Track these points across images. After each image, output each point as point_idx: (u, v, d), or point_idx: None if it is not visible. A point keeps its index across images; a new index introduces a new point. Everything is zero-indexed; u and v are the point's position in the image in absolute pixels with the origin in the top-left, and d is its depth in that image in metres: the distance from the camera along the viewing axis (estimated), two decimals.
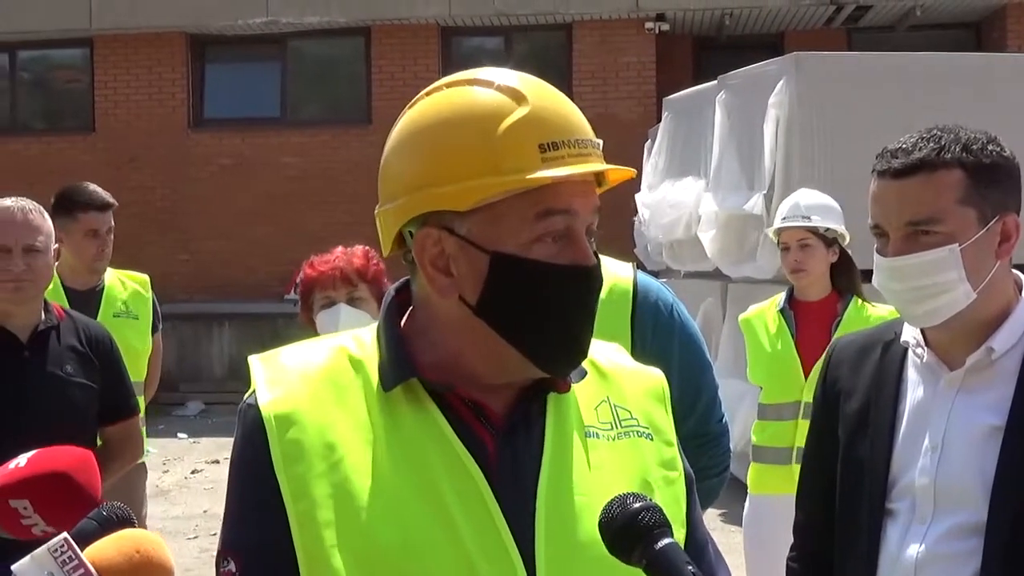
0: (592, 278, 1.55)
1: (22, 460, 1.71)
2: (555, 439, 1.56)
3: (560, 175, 1.48)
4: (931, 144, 2.14)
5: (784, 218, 4.78)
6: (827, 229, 4.70)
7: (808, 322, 4.76)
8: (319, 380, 1.55)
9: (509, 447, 1.53)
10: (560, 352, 1.54)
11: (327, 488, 1.48)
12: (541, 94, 1.54)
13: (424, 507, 1.48)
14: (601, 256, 2.98)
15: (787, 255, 4.76)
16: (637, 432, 1.62)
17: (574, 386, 1.60)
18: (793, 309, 4.84)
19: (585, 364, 1.61)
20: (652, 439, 1.63)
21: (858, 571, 2.28)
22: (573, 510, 1.52)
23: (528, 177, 1.47)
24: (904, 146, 2.17)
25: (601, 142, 1.56)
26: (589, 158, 1.52)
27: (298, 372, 1.56)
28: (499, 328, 1.52)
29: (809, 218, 4.71)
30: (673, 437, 1.67)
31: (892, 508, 2.25)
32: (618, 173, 1.58)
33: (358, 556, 1.46)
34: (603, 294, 2.80)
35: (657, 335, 2.81)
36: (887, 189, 2.17)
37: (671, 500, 1.59)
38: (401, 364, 1.54)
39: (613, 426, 1.61)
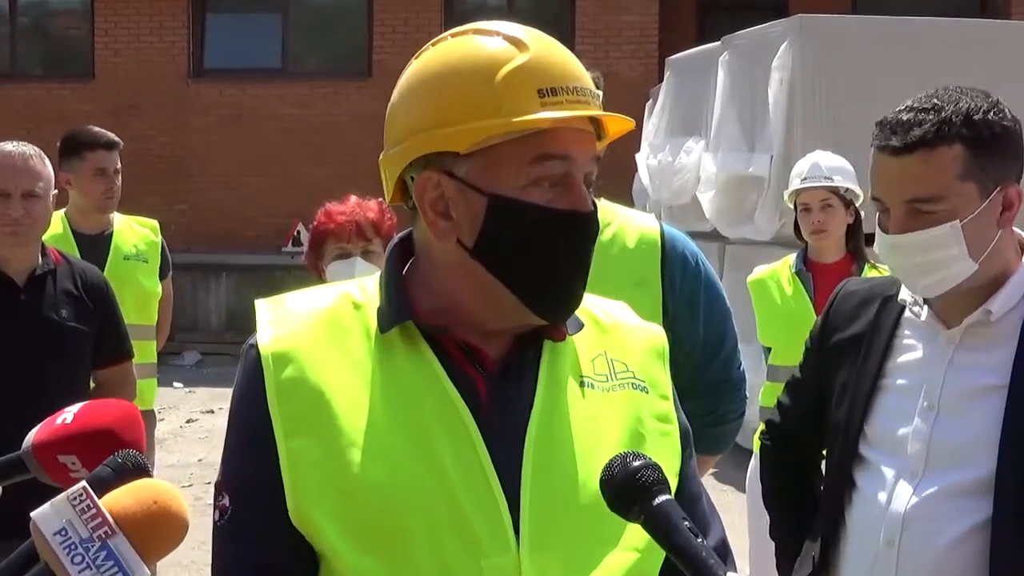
0: (586, 225, 1.55)
1: (68, 416, 1.72)
2: (548, 385, 1.58)
3: (556, 117, 1.50)
4: (931, 117, 2.12)
5: (805, 179, 4.75)
6: (847, 190, 4.70)
7: (825, 284, 4.67)
8: (320, 322, 1.59)
9: (501, 390, 1.56)
10: (553, 297, 1.56)
11: (319, 427, 1.51)
12: (542, 43, 1.57)
13: (413, 447, 1.50)
14: (626, 208, 3.04)
15: (807, 216, 4.73)
16: (632, 384, 1.64)
17: (573, 338, 1.62)
18: (809, 271, 4.83)
19: (584, 318, 1.64)
20: (648, 392, 1.65)
21: (833, 516, 2.34)
22: (562, 454, 1.54)
23: (525, 119, 1.50)
24: (903, 119, 2.14)
25: (600, 93, 1.58)
26: (587, 106, 1.55)
27: (300, 314, 1.60)
28: (495, 270, 1.54)
29: (831, 179, 4.69)
30: (669, 392, 1.69)
31: (871, 459, 2.28)
32: (617, 124, 1.60)
33: (345, 494, 1.49)
34: (632, 244, 2.95)
35: (685, 284, 2.91)
36: (887, 166, 2.16)
37: (665, 452, 1.61)
38: (398, 307, 1.58)
39: (609, 378, 1.63)
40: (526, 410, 1.55)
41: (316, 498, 1.49)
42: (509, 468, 1.51)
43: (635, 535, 1.50)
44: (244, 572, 1.54)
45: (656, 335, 1.74)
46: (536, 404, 1.55)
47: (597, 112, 1.56)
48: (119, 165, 5.22)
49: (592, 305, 1.70)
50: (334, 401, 1.52)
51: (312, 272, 3.63)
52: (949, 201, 2.11)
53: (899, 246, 2.16)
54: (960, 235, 2.11)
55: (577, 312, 1.63)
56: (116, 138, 5.24)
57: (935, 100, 2.14)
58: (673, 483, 1.57)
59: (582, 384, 1.61)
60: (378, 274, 1.65)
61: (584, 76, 1.58)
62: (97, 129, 5.26)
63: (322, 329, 1.58)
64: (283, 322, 1.59)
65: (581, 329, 1.63)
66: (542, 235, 1.53)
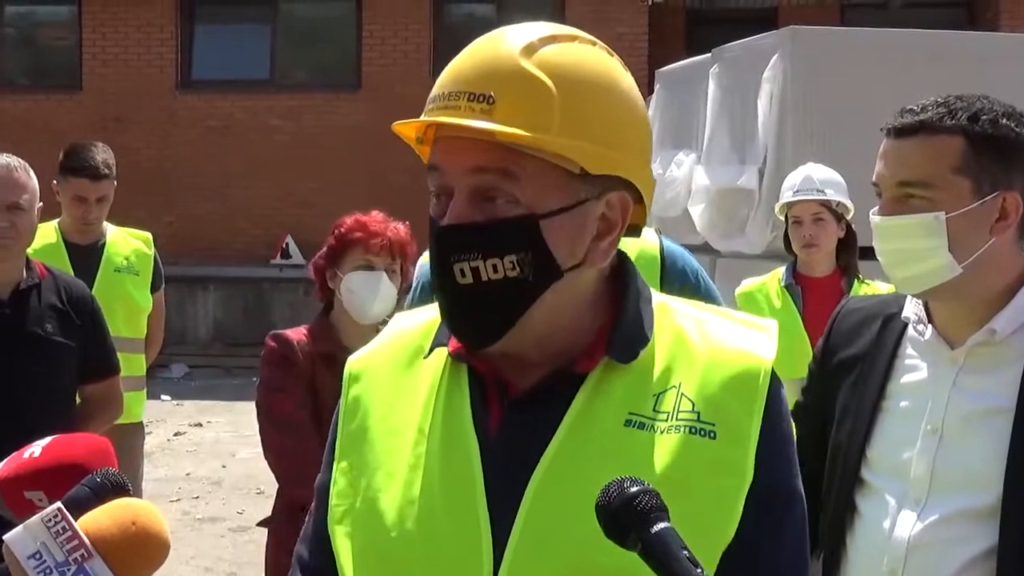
0: (440, 239, 1.43)
1: (37, 449, 1.66)
2: (576, 422, 1.44)
3: (397, 125, 1.50)
4: (940, 109, 2.12)
5: (797, 191, 4.71)
6: (838, 204, 4.66)
7: (815, 298, 4.67)
8: (403, 340, 1.60)
9: (515, 425, 1.45)
10: (445, 316, 1.48)
11: (360, 447, 1.53)
12: (467, 49, 1.48)
13: (420, 478, 1.46)
14: None
15: (799, 229, 4.69)
16: (691, 429, 1.43)
17: (634, 367, 1.46)
18: (799, 285, 4.77)
19: (670, 341, 1.50)
20: (714, 437, 1.43)
21: (835, 542, 2.28)
22: (571, 500, 1.40)
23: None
24: (916, 107, 2.15)
25: (492, 94, 1.40)
26: (450, 111, 1.41)
27: (395, 330, 1.63)
28: None
29: (824, 192, 4.65)
30: (751, 438, 1.45)
31: (873, 484, 2.23)
32: (504, 132, 1.38)
33: (358, 518, 1.50)
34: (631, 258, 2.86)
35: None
36: (890, 148, 2.16)
37: (713, 507, 1.41)
38: (441, 332, 1.53)
39: (668, 418, 1.44)
40: (542, 448, 1.43)
41: (340, 517, 1.52)
42: (507, 510, 1.42)
43: None
44: (297, 569, 1.60)
45: (754, 364, 1.50)
46: (552, 444, 1.43)
47: (433, 119, 1.42)
48: (106, 193, 5.10)
49: (695, 322, 1.53)
50: (378, 423, 1.53)
51: (315, 279, 3.57)
52: (938, 191, 2.09)
53: (883, 228, 2.16)
54: (943, 228, 2.08)
55: (669, 333, 1.50)
56: (105, 169, 5.05)
57: (953, 97, 2.14)
58: (721, 543, 1.41)
59: (628, 423, 1.44)
60: None
61: (469, 78, 1.42)
62: (91, 155, 5.07)
63: (401, 348, 1.58)
64: (380, 337, 1.63)
65: (634, 359, 1.46)
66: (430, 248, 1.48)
